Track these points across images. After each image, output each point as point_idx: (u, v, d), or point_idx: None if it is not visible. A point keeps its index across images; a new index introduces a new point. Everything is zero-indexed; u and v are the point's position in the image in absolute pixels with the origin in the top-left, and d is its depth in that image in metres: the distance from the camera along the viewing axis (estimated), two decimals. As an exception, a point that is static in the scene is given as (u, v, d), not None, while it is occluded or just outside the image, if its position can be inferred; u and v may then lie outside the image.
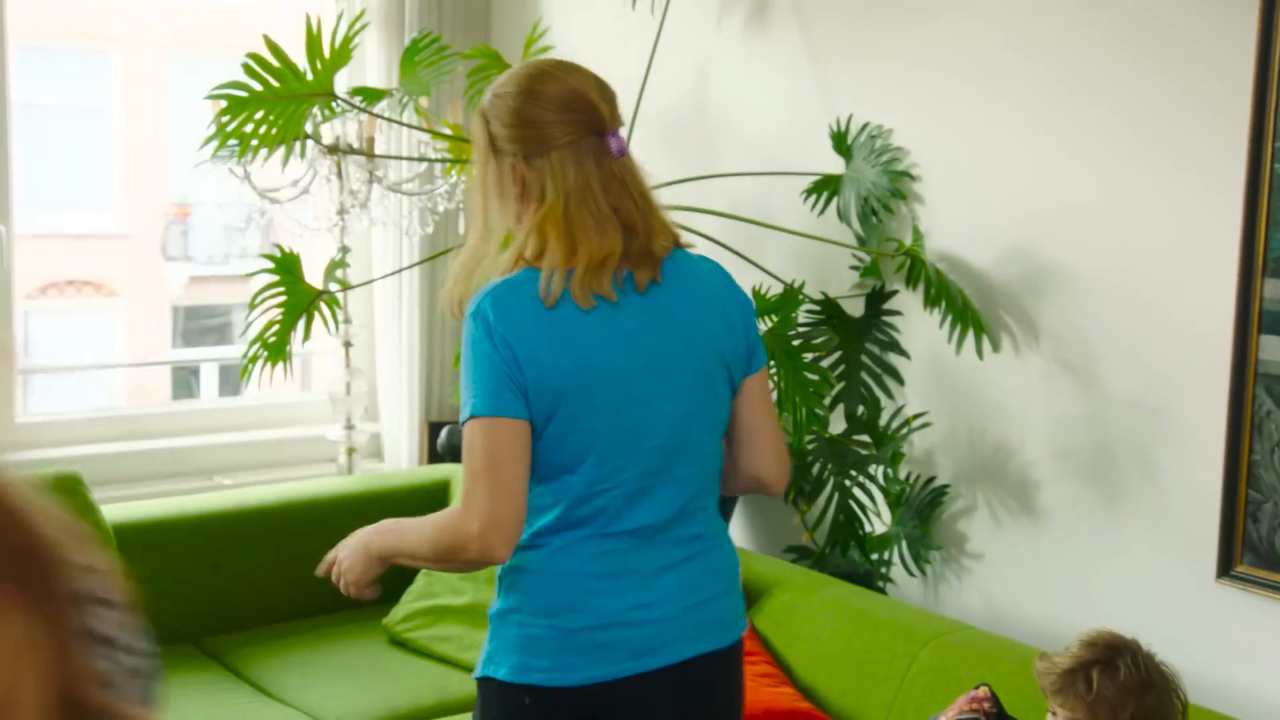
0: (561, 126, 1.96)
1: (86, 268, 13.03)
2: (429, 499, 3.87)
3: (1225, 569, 2.83)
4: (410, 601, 3.55)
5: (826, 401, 3.32)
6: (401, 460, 4.45)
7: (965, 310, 3.20)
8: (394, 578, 3.81)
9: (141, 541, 3.42)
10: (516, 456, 1.88)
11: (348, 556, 2.12)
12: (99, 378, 12.72)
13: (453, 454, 4.12)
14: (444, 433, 4.20)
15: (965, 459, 3.32)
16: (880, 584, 3.39)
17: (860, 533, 3.39)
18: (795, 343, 3.16)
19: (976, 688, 2.51)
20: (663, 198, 2.12)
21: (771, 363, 3.12)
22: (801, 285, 3.30)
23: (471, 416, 1.89)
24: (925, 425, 3.31)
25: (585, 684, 1.93)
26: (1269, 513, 2.76)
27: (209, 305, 13.45)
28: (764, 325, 3.27)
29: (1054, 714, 2.28)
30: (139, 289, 13.00)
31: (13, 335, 3.93)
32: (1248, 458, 2.78)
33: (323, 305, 3.44)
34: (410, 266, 4.24)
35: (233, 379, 9.79)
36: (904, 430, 3.30)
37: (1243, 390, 2.78)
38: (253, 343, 3.36)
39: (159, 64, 12.09)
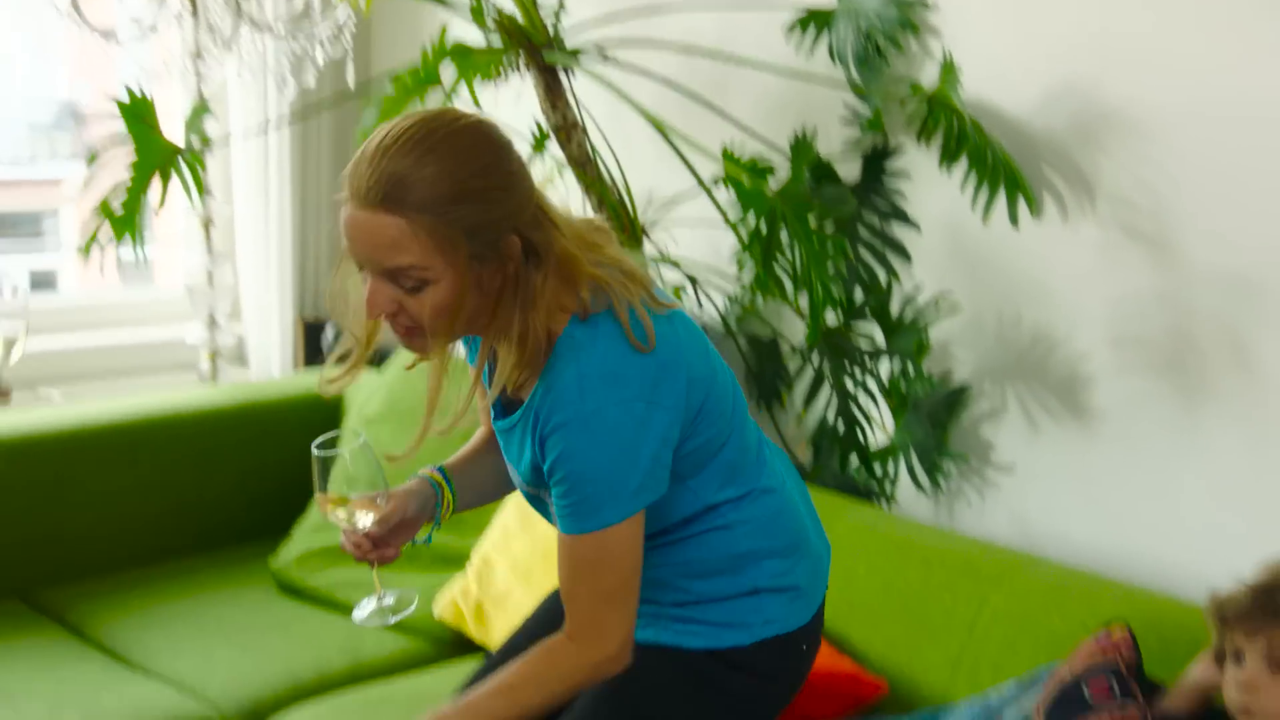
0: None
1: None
2: (308, 412, 3.16)
3: (1348, 479, 2.30)
4: (305, 537, 2.84)
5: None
6: (271, 367, 3.71)
7: (996, 166, 2.59)
8: (280, 508, 3.12)
9: (-49, 471, 2.65)
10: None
11: None
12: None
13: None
14: (330, 328, 3.48)
15: (992, 352, 2.72)
16: (883, 501, 2.80)
17: (862, 442, 2.79)
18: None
19: (1110, 629, 1.94)
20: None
21: (783, 231, 2.47)
22: (813, 134, 2.65)
23: (616, 523, 1.58)
24: (955, 311, 2.69)
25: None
26: None
27: (13, 214, 12.29)
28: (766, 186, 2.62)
29: (1237, 659, 1.72)
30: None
31: None
32: (1384, 341, 2.24)
33: (183, 165, 2.68)
34: (280, 125, 3.48)
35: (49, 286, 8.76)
36: (927, 315, 2.68)
37: (1381, 257, 2.23)
38: (96, 211, 2.60)
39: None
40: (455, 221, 1.51)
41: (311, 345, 3.72)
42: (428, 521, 1.80)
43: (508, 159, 1.58)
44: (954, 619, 2.15)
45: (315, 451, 1.68)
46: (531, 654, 1.64)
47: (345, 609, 2.70)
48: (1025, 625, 2.08)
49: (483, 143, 1.55)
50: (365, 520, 1.70)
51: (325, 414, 3.15)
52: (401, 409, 2.87)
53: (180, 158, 2.67)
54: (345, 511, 1.69)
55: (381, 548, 1.74)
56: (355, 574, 2.73)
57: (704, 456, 1.67)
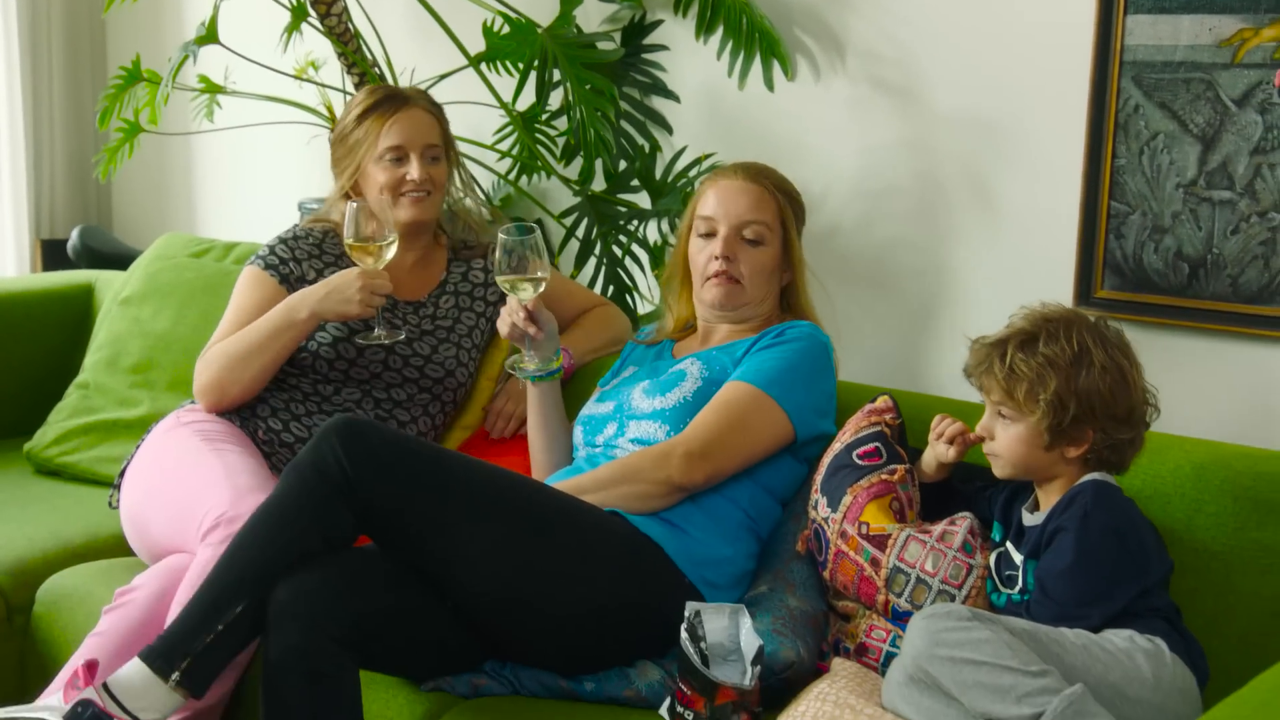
0: None
1: None
2: (52, 306, 3.02)
3: (1085, 296, 2.47)
4: (61, 420, 2.72)
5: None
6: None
7: (751, 32, 2.70)
8: (30, 405, 2.94)
9: None
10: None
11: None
12: None
13: (90, 258, 3.28)
14: (75, 234, 3.35)
15: (752, 213, 2.81)
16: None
17: (632, 307, 2.84)
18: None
19: (874, 399, 2.05)
20: None
21: (556, 72, 2.50)
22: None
23: (773, 399, 2.07)
24: (717, 165, 2.77)
25: None
26: (1136, 225, 2.41)
27: None
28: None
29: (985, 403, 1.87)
30: None
31: None
32: (1111, 163, 2.42)
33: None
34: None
35: None
36: (692, 170, 2.76)
37: (1105, 83, 2.41)
38: None
39: None
40: (788, 207, 2.25)
41: (52, 266, 3.56)
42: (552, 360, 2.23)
43: None
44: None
45: (500, 236, 2.07)
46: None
47: (108, 483, 2.61)
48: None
49: None
50: (528, 292, 2.10)
51: (72, 309, 3.02)
52: (160, 285, 2.78)
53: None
54: (513, 282, 2.10)
55: (530, 323, 2.16)
56: (119, 449, 2.62)
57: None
